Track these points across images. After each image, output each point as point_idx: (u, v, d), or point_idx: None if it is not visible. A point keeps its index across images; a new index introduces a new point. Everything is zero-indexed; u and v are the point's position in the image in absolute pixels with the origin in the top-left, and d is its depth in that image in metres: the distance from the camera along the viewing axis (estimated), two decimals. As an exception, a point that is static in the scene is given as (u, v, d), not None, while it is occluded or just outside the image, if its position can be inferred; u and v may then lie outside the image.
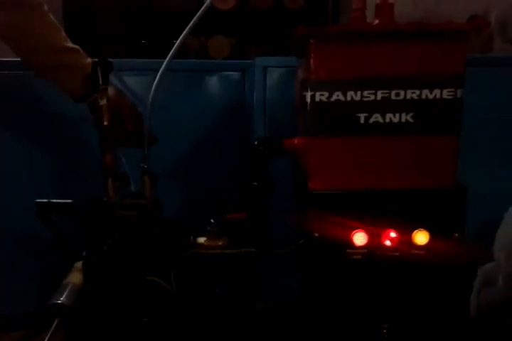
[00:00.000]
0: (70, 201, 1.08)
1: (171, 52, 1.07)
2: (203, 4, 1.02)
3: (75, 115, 1.29)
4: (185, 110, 1.37)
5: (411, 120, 0.90)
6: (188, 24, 1.03)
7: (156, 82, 1.08)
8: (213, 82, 1.40)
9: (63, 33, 1.03)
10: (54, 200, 1.09)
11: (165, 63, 1.07)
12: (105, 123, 1.03)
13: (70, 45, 1.04)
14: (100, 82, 1.03)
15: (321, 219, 0.92)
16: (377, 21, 0.90)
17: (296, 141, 1.02)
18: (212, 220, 1.09)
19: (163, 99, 1.11)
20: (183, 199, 1.39)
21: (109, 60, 1.06)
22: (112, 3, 3.09)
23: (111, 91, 1.04)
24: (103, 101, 1.02)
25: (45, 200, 1.08)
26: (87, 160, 1.20)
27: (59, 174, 1.36)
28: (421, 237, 0.90)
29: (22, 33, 0.98)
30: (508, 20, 1.66)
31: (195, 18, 1.03)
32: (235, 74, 1.40)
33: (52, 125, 1.34)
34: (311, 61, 0.89)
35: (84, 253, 1.03)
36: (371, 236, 0.91)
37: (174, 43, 1.07)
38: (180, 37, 1.04)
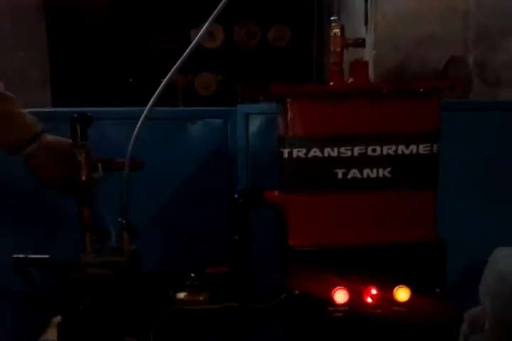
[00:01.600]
0: (47, 256, 1.06)
1: (151, 100, 1.07)
2: (188, 42, 1.03)
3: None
4: (167, 158, 1.37)
5: (388, 175, 0.90)
6: (175, 62, 1.04)
7: (136, 130, 1.08)
8: (196, 129, 1.40)
9: None
10: (31, 255, 1.07)
11: (145, 112, 1.07)
12: (83, 178, 1.02)
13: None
14: (79, 137, 1.02)
15: (301, 276, 0.91)
16: (351, 80, 0.91)
17: (276, 193, 1.02)
18: (192, 275, 1.07)
19: (146, 147, 1.11)
20: (164, 251, 1.37)
21: (88, 114, 1.06)
22: (102, 41, 3.14)
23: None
24: (81, 157, 1.02)
25: (22, 256, 1.06)
26: (66, 213, 1.19)
27: (38, 228, 1.34)
28: (402, 294, 0.89)
29: None
30: (486, 62, 1.69)
31: (179, 62, 1.03)
32: (217, 121, 1.41)
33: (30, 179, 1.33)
34: (288, 118, 0.89)
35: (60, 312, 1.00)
36: (352, 293, 0.89)
37: (161, 82, 1.08)
38: (165, 80, 1.04)
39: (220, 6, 1.04)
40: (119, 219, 1.05)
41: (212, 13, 1.04)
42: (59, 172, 1.04)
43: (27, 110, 1.05)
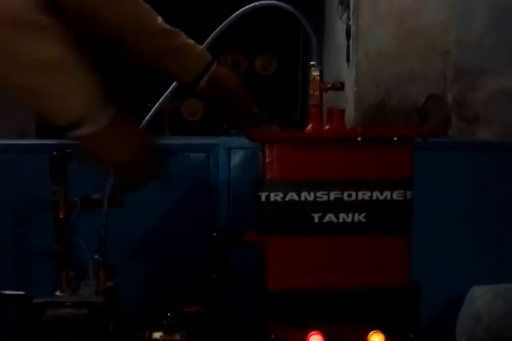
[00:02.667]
0: (22, 293, 1.05)
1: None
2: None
3: (33, 200, 1.28)
4: (148, 191, 1.36)
5: (363, 220, 0.92)
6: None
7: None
8: (178, 162, 1.40)
9: (159, 17, 0.97)
10: (6, 292, 1.05)
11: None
12: (61, 216, 1.02)
13: (168, 27, 0.98)
14: (58, 175, 1.03)
15: (277, 320, 0.91)
16: (328, 126, 0.93)
17: (255, 234, 1.02)
18: (169, 314, 1.06)
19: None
20: (142, 287, 1.36)
21: (68, 151, 1.06)
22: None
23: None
24: (60, 195, 1.02)
25: (-4, 292, 1.05)
26: (44, 248, 1.18)
27: (15, 263, 1.33)
28: (376, 339, 0.90)
29: (113, 10, 0.92)
30: (465, 100, 1.74)
31: (167, 92, 1.05)
32: (199, 155, 1.42)
33: (8, 213, 1.32)
34: (266, 163, 0.91)
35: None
36: (327, 338, 0.90)
37: (149, 107, 1.09)
38: (151, 112, 1.06)
39: (210, 37, 1.06)
40: (96, 257, 1.05)
41: (201, 41, 1.06)
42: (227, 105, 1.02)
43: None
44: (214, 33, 1.06)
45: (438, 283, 1.35)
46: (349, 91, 1.74)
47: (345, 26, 1.74)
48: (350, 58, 1.74)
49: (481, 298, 1.30)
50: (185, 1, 3.08)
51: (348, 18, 1.72)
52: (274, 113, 3.23)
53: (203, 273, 1.08)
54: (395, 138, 0.88)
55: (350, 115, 1.75)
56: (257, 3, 1.09)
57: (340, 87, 1.07)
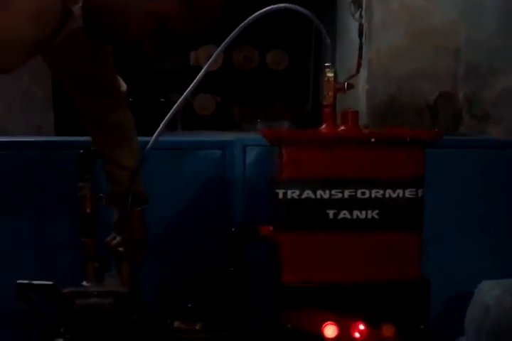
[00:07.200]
0: (50, 283, 1.10)
1: (155, 134, 1.13)
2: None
3: (56, 196, 1.33)
4: (165, 188, 1.41)
5: (376, 216, 0.96)
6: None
7: (139, 162, 1.14)
8: (194, 160, 1.45)
9: None
10: (35, 282, 1.11)
11: (150, 144, 1.12)
12: (88, 210, 1.08)
13: None
14: (84, 171, 1.08)
15: (293, 311, 0.96)
16: (342, 127, 0.97)
17: (271, 229, 1.07)
18: (189, 305, 1.11)
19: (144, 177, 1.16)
20: (162, 280, 1.41)
21: (93, 148, 1.11)
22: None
23: None
24: (86, 190, 1.07)
25: (26, 281, 1.10)
26: (71, 240, 1.24)
27: (43, 253, 1.38)
28: (388, 330, 0.94)
29: None
30: (475, 98, 1.77)
31: (186, 92, 1.07)
32: (215, 152, 1.46)
33: (39, 204, 1.37)
34: (283, 162, 0.95)
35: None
36: (341, 328, 0.94)
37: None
38: (170, 113, 1.10)
39: (231, 35, 1.09)
40: (120, 249, 1.10)
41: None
42: None
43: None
44: (229, 37, 1.10)
45: (448, 278, 1.39)
46: (361, 87, 1.77)
47: (357, 24, 1.77)
48: (362, 56, 1.77)
49: (489, 292, 1.34)
50: None
51: (361, 17, 1.75)
52: (286, 108, 3.26)
53: (218, 266, 1.13)
54: (408, 139, 0.92)
55: (362, 110, 1.78)
56: (271, 6, 1.13)
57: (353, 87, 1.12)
